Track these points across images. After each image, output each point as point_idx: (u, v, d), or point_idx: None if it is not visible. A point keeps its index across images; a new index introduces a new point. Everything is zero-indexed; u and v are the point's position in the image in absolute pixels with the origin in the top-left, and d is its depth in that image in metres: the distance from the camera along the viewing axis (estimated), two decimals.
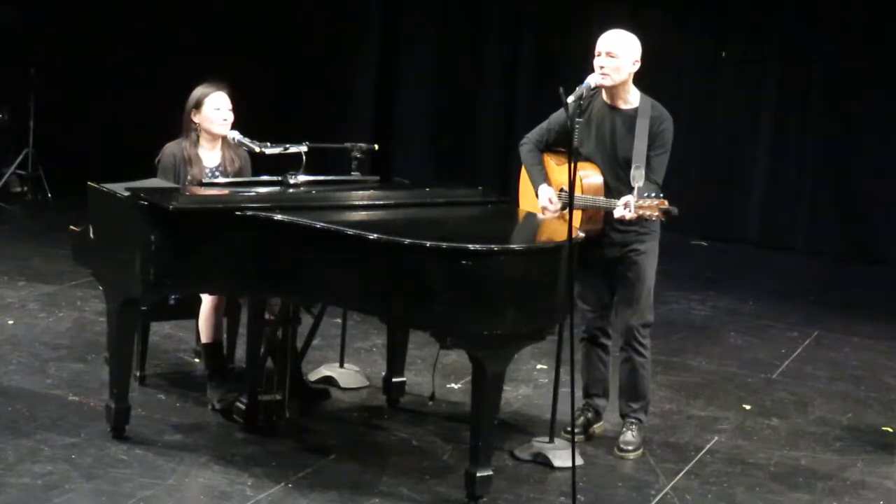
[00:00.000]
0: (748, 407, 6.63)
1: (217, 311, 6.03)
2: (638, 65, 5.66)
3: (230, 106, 6.13)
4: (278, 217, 5.28)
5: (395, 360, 6.28)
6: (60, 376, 6.30)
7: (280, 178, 5.73)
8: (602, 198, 5.62)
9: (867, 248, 10.33)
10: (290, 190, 5.68)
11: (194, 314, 6.18)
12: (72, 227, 5.91)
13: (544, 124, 5.89)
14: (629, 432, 5.86)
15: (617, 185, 5.64)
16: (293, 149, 5.98)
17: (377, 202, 5.78)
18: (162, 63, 10.98)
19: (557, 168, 5.79)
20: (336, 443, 5.72)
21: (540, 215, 5.74)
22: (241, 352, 6.19)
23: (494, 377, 5.11)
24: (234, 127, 6.15)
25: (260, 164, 6.16)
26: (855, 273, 10.04)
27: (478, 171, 11.12)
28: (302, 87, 11.57)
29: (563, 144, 5.73)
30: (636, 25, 5.77)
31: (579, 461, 5.47)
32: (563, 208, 5.65)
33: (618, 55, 5.60)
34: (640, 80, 5.74)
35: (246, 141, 6.08)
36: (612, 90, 5.68)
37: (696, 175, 10.54)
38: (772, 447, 6.08)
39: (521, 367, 6.85)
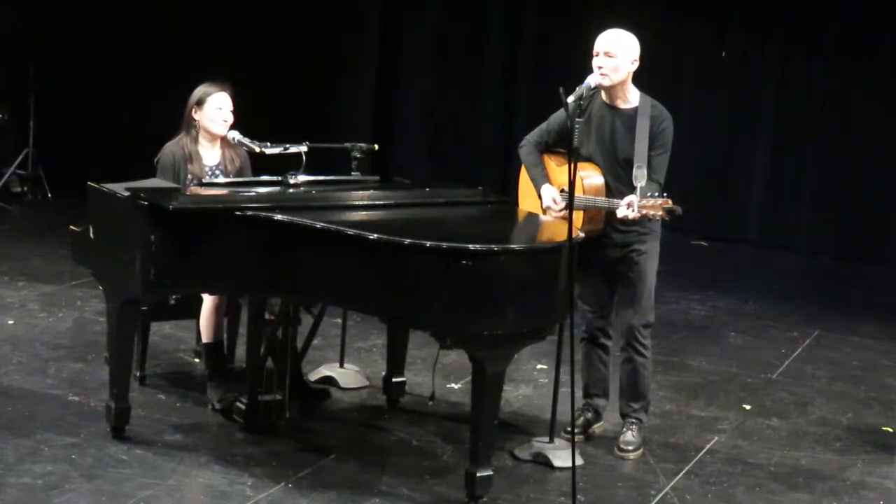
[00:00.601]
0: (748, 407, 6.63)
1: (217, 310, 6.03)
2: (636, 64, 5.66)
3: (231, 107, 6.13)
4: (278, 217, 5.27)
5: (395, 360, 6.28)
6: (60, 376, 6.30)
7: (280, 178, 5.73)
8: (604, 198, 5.62)
9: (867, 248, 10.33)
10: (290, 190, 5.68)
11: (194, 314, 6.19)
12: (72, 227, 5.91)
13: (544, 125, 5.89)
14: (629, 432, 5.86)
15: (617, 185, 5.64)
16: (293, 149, 5.98)
17: (377, 202, 5.78)
18: (162, 63, 10.98)
19: (558, 168, 5.79)
20: (336, 443, 5.72)
21: (540, 215, 5.74)
22: (241, 352, 6.18)
23: (494, 377, 5.11)
24: (234, 127, 6.16)
25: (260, 164, 6.16)
26: (855, 273, 10.03)
27: (478, 171, 11.11)
28: (302, 87, 11.57)
29: (563, 145, 5.73)
30: (636, 25, 5.77)
31: (579, 461, 5.47)
32: (565, 207, 5.64)
33: (616, 55, 5.60)
34: (640, 79, 5.74)
35: (246, 141, 6.08)
36: (612, 90, 5.68)
37: (696, 175, 10.54)
38: (772, 447, 6.08)
39: (521, 367, 6.85)
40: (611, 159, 5.68)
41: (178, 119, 6.18)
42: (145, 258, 5.27)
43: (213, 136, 6.14)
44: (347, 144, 6.24)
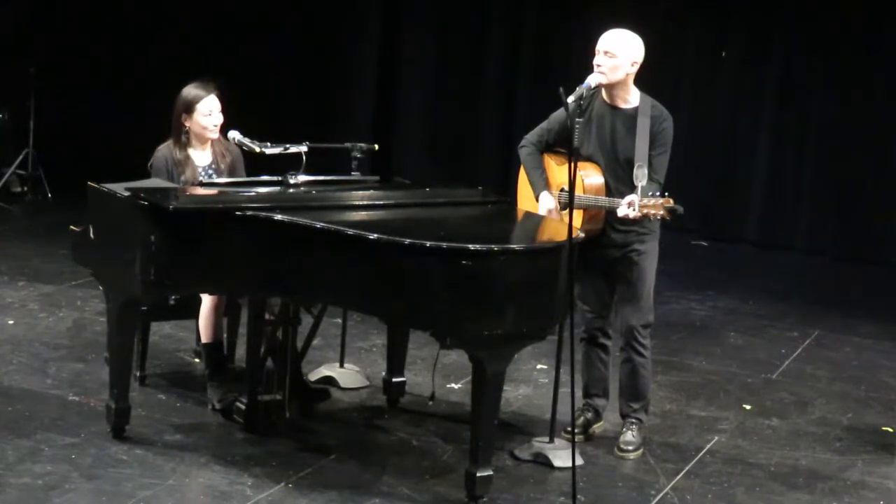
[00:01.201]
0: (748, 407, 6.63)
1: (217, 310, 6.03)
2: (637, 66, 5.66)
3: (220, 109, 6.11)
4: (278, 217, 5.28)
5: (395, 360, 6.28)
6: (60, 376, 6.30)
7: (280, 178, 5.73)
8: (603, 197, 5.62)
9: (867, 248, 10.32)
10: (290, 190, 5.68)
11: (194, 314, 6.19)
12: (72, 227, 5.91)
13: (544, 124, 5.88)
14: (629, 432, 5.86)
15: (617, 184, 5.64)
16: (293, 149, 5.98)
17: (377, 202, 5.78)
18: (162, 63, 10.97)
19: (558, 168, 5.79)
20: (336, 443, 5.72)
21: (540, 215, 5.73)
22: (241, 352, 6.18)
23: (494, 377, 5.11)
24: (234, 127, 6.15)
25: (260, 164, 6.16)
26: (855, 273, 10.03)
27: (478, 171, 11.11)
28: (302, 87, 11.57)
29: (564, 144, 5.72)
30: (636, 25, 5.77)
31: (579, 461, 5.47)
32: (563, 209, 5.64)
33: (616, 55, 5.59)
34: (640, 79, 5.74)
35: (246, 141, 6.07)
36: (612, 90, 5.68)
37: (696, 175, 10.53)
38: (772, 447, 6.08)
39: (521, 367, 6.85)
40: (611, 159, 5.68)
41: (171, 120, 6.17)
42: (145, 258, 5.28)
43: (204, 140, 6.13)
44: (347, 144, 6.25)
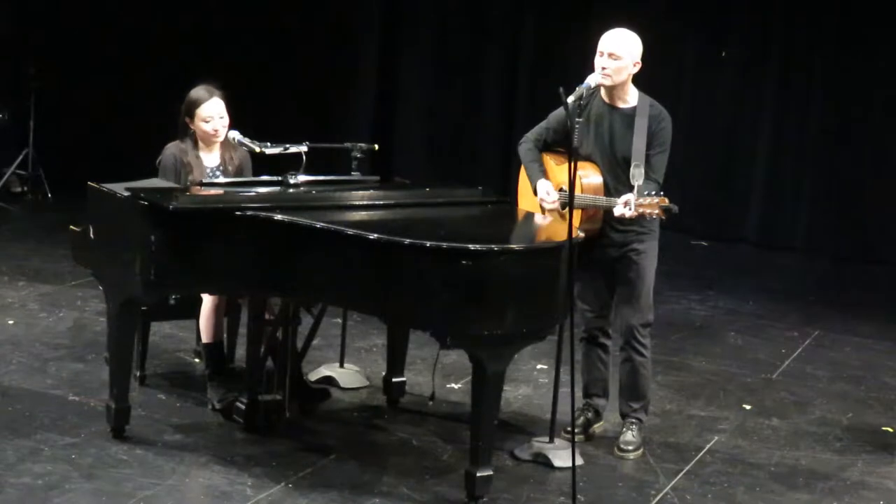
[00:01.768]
0: (748, 407, 6.63)
1: (218, 310, 6.03)
2: (639, 66, 5.66)
3: (223, 113, 6.08)
4: (278, 217, 5.28)
5: (395, 360, 6.28)
6: (60, 376, 6.30)
7: (280, 178, 5.73)
8: (602, 196, 5.62)
9: (867, 248, 10.32)
10: (290, 190, 5.68)
11: (194, 314, 6.18)
12: (72, 227, 5.91)
13: (543, 123, 5.89)
14: (629, 432, 5.86)
15: (616, 184, 5.64)
16: (293, 149, 5.97)
17: (377, 202, 5.78)
18: (162, 63, 10.98)
19: (557, 168, 5.79)
20: (336, 443, 5.72)
21: (540, 215, 5.74)
22: (241, 352, 6.18)
23: (494, 377, 5.11)
24: (234, 127, 6.15)
25: (260, 164, 6.16)
26: (855, 273, 10.03)
27: (478, 171, 11.11)
28: (302, 87, 11.56)
29: (563, 144, 5.73)
30: (636, 25, 5.77)
31: (579, 461, 5.47)
32: (562, 207, 5.65)
33: (621, 56, 5.59)
34: (640, 79, 5.74)
35: (246, 141, 6.07)
36: (612, 90, 5.68)
37: (696, 175, 10.54)
38: (772, 447, 6.08)
39: (521, 367, 6.85)
40: (609, 158, 5.68)
41: (177, 120, 6.17)
42: (145, 258, 5.28)
43: (209, 143, 6.13)
44: (347, 144, 6.24)
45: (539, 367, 6.95)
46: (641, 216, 5.48)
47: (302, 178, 5.74)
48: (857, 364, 7.54)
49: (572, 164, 5.13)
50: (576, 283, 5.57)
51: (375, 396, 6.36)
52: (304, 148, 5.94)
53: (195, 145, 6.11)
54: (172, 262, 5.31)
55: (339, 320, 6.59)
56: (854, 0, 10.30)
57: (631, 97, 5.71)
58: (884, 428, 6.46)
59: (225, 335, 6.19)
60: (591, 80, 5.62)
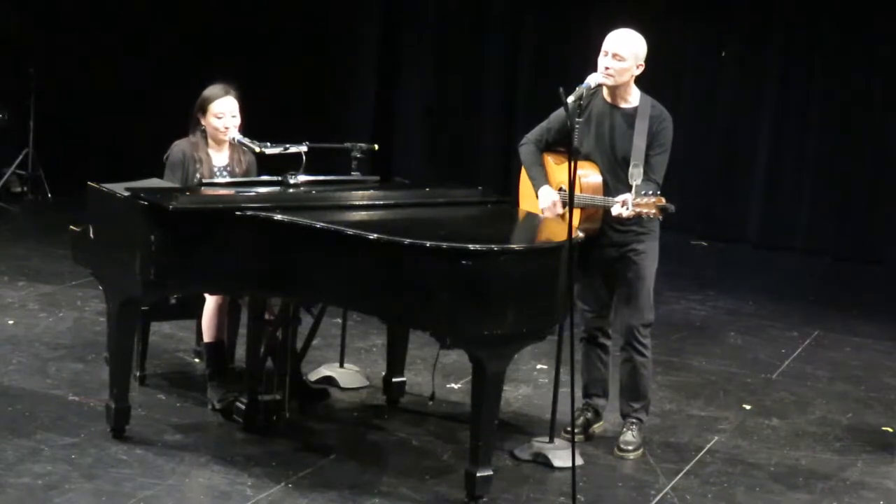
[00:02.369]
0: (748, 407, 6.63)
1: (221, 311, 6.02)
2: (642, 68, 5.66)
3: (235, 112, 6.09)
4: (278, 217, 5.28)
5: (395, 360, 6.28)
6: (60, 376, 6.30)
7: (280, 178, 5.73)
8: (601, 196, 5.61)
9: (867, 248, 10.33)
10: (290, 190, 5.68)
11: (194, 314, 6.18)
12: (72, 227, 5.91)
13: (544, 123, 5.89)
14: (629, 432, 5.86)
15: (616, 183, 5.64)
16: (293, 149, 5.97)
17: (377, 202, 5.78)
18: (162, 63, 10.98)
19: (557, 167, 5.79)
20: (336, 443, 5.72)
21: (540, 215, 5.74)
22: (241, 352, 6.18)
23: (494, 377, 5.11)
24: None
25: (260, 164, 6.16)
26: (855, 273, 10.03)
27: (478, 171, 11.11)
28: (302, 87, 11.56)
29: (564, 144, 5.72)
30: (636, 25, 5.77)
31: (579, 461, 5.47)
32: (562, 207, 5.64)
33: (625, 57, 5.59)
34: (640, 79, 5.74)
35: (246, 141, 6.07)
36: (613, 89, 5.68)
37: (696, 175, 10.54)
38: (772, 447, 6.08)
39: (521, 367, 6.85)
40: (610, 158, 5.68)
41: (178, 119, 6.18)
42: (145, 258, 5.27)
43: (219, 140, 6.14)
44: (347, 144, 6.25)
45: (539, 367, 6.95)
46: (639, 216, 5.47)
47: (302, 178, 5.74)
48: (857, 364, 7.54)
49: (572, 164, 5.13)
50: (576, 283, 5.57)
51: (375, 396, 6.36)
52: (304, 148, 5.94)
53: (205, 143, 6.11)
54: (172, 262, 5.31)
55: (339, 320, 6.59)
56: (854, 0, 10.30)
57: (633, 97, 5.71)
58: (884, 428, 6.46)
59: (225, 335, 6.18)
60: (592, 79, 5.62)
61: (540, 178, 5.78)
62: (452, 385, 6.59)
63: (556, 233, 5.42)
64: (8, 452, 5.31)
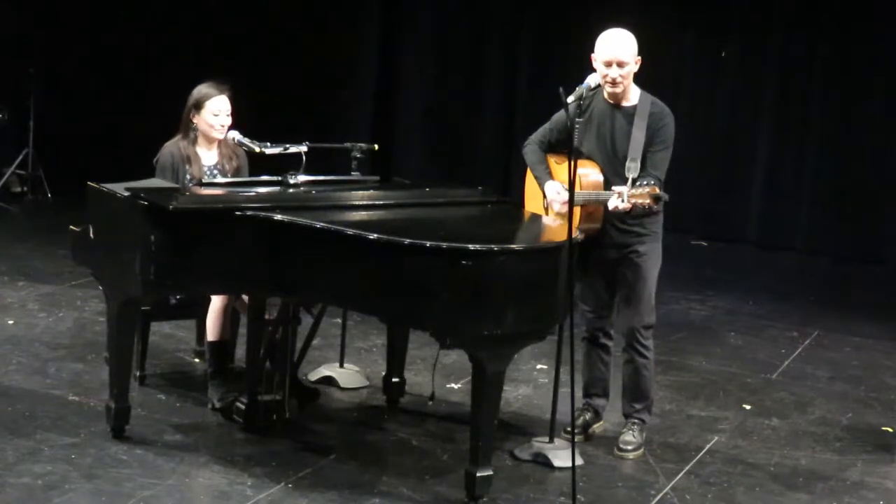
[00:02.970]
0: (748, 407, 6.63)
1: (225, 311, 6.02)
2: (640, 62, 5.67)
3: (229, 110, 6.11)
4: (278, 217, 5.28)
5: (395, 360, 6.28)
6: (60, 376, 6.30)
7: (280, 178, 5.73)
8: (598, 191, 5.61)
9: (867, 248, 10.33)
10: (290, 190, 5.68)
11: (194, 314, 6.18)
12: (72, 227, 5.91)
13: (547, 125, 5.89)
14: (630, 432, 5.86)
15: (616, 181, 5.63)
16: (293, 149, 5.98)
17: (377, 202, 5.78)
18: (162, 63, 10.98)
19: (558, 166, 5.80)
20: (336, 443, 5.72)
21: (540, 215, 5.74)
22: (241, 352, 6.18)
23: (494, 377, 5.11)
24: (234, 127, 6.15)
25: (260, 164, 6.16)
26: (855, 273, 10.03)
27: (478, 171, 11.11)
28: (302, 87, 11.57)
29: (566, 144, 5.71)
30: (636, 25, 5.77)
31: (579, 461, 5.47)
32: (565, 202, 5.64)
33: (628, 62, 5.60)
34: (639, 79, 5.74)
35: (246, 141, 6.08)
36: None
37: (696, 175, 10.54)
38: (772, 447, 6.08)
39: (521, 367, 6.85)
40: (610, 156, 5.67)
41: (178, 119, 6.18)
42: (145, 258, 5.27)
43: (210, 139, 6.14)
44: (347, 144, 6.24)
45: (539, 367, 6.95)
46: (635, 207, 5.45)
47: (302, 178, 5.74)
48: (857, 364, 7.54)
49: (572, 164, 5.12)
50: (577, 283, 5.57)
51: (375, 396, 6.36)
52: (304, 148, 5.94)
53: (195, 142, 6.11)
54: (172, 262, 5.31)
55: (339, 320, 6.59)
56: (854, 0, 10.30)
57: (633, 95, 5.71)
58: (884, 428, 6.46)
59: (228, 335, 6.18)
60: (592, 79, 5.62)
61: (544, 176, 5.80)
62: (452, 385, 6.59)
63: (556, 233, 5.42)
64: (8, 452, 5.32)
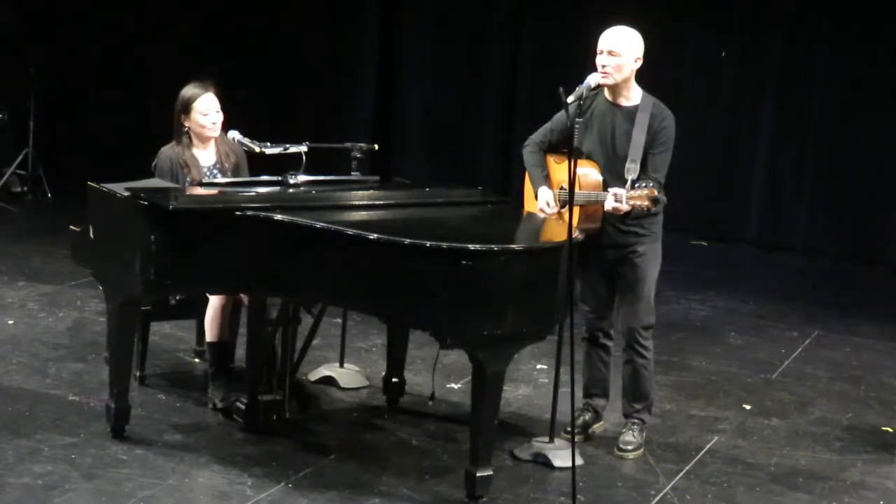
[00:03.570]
0: (748, 407, 6.63)
1: (224, 311, 6.02)
2: (640, 62, 5.66)
3: (218, 107, 6.11)
4: (278, 217, 5.28)
5: (395, 360, 6.28)
6: (60, 376, 6.30)
7: (280, 178, 5.73)
8: (596, 191, 5.61)
9: (867, 248, 10.32)
10: (290, 190, 5.68)
11: (194, 314, 6.18)
12: (72, 227, 5.91)
13: (547, 125, 5.89)
14: (630, 432, 5.86)
15: (616, 182, 5.63)
16: (293, 149, 5.98)
17: (377, 202, 5.78)
18: (162, 63, 10.97)
19: (557, 166, 5.80)
20: (336, 443, 5.72)
21: (540, 215, 5.74)
22: (241, 352, 6.18)
23: (494, 377, 5.11)
24: (234, 127, 6.15)
25: (260, 164, 6.16)
26: (855, 273, 10.03)
27: (478, 171, 11.11)
28: (302, 87, 11.57)
29: (567, 144, 5.71)
30: (636, 25, 5.77)
31: (579, 461, 5.47)
32: (562, 207, 5.64)
33: (620, 53, 5.59)
34: (640, 78, 5.74)
35: (246, 141, 6.08)
36: (615, 87, 5.67)
37: (696, 175, 10.53)
38: (772, 447, 6.08)
39: (521, 367, 6.85)
40: (610, 156, 5.67)
41: (173, 121, 6.17)
42: (145, 258, 5.27)
43: (205, 139, 6.14)
44: (347, 144, 6.25)
45: (539, 367, 6.95)
46: (633, 209, 5.45)
47: (302, 178, 5.74)
48: (857, 364, 7.54)
49: (572, 164, 5.12)
50: (577, 283, 5.56)
51: (375, 396, 6.36)
52: (304, 148, 5.95)
53: (190, 145, 6.11)
54: (172, 262, 5.31)
55: (339, 320, 6.59)
56: (854, 0, 10.30)
57: (634, 95, 5.71)
58: (884, 428, 6.46)
59: (228, 335, 6.18)
60: (592, 79, 5.61)
61: (539, 180, 5.79)
62: (452, 385, 6.59)
63: (556, 233, 5.42)
64: (8, 452, 5.32)
